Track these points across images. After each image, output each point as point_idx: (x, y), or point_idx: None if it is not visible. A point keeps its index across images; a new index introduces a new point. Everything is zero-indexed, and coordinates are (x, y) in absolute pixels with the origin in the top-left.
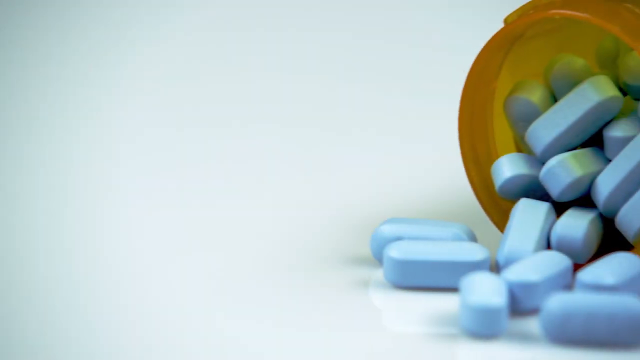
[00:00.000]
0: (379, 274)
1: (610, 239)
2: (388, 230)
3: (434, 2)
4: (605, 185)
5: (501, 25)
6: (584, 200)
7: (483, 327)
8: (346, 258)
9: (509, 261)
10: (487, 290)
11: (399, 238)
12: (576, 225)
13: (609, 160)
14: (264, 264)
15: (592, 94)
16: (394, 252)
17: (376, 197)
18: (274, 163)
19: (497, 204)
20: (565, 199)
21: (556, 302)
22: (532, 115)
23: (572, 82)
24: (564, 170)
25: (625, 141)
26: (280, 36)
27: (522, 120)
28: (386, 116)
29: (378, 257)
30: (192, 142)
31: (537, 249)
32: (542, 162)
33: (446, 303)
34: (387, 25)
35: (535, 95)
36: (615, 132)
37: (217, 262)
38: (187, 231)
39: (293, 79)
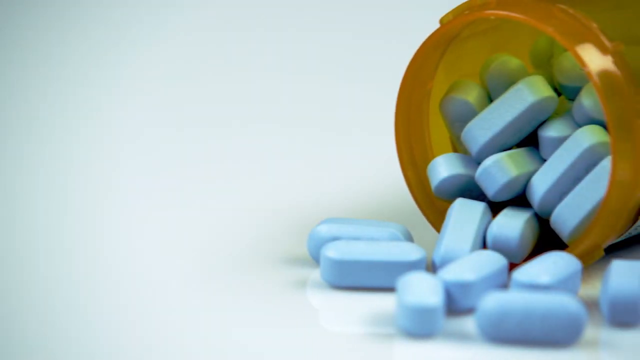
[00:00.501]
0: (316, 273)
1: (545, 239)
2: (325, 230)
3: (368, 2)
4: (540, 185)
5: (437, 25)
6: (520, 200)
7: (419, 326)
8: (283, 258)
9: (445, 261)
10: (423, 290)
11: (335, 238)
12: (511, 225)
13: (544, 160)
14: (201, 264)
15: (527, 95)
16: (331, 252)
17: (313, 197)
18: (211, 164)
19: (434, 204)
20: (500, 198)
21: (491, 301)
22: (468, 115)
23: (508, 82)
24: (500, 170)
25: (560, 141)
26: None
27: (458, 121)
28: (323, 116)
29: (315, 257)
30: (130, 143)
31: (473, 248)
32: (478, 162)
33: (383, 303)
34: (326, 24)
35: (471, 95)
36: (550, 132)
37: (156, 262)
38: (128, 233)
39: (224, 79)
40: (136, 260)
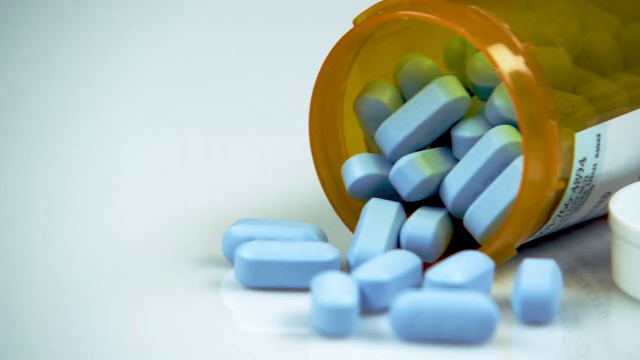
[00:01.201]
0: (230, 274)
1: (458, 238)
2: (239, 230)
3: (283, 2)
4: (453, 185)
5: (350, 26)
6: (433, 199)
7: (334, 326)
8: (197, 258)
9: (360, 261)
10: (337, 290)
11: (250, 238)
12: (425, 224)
13: (457, 160)
14: (116, 264)
15: (440, 95)
16: (245, 252)
17: (228, 197)
18: (124, 163)
19: (348, 204)
20: (414, 198)
21: (405, 301)
22: (381, 115)
23: (421, 83)
24: (413, 170)
25: (473, 141)
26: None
27: (372, 121)
28: (237, 116)
29: (229, 258)
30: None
31: (387, 248)
32: (392, 162)
33: (297, 303)
34: (239, 23)
35: (384, 95)
36: (463, 132)
37: (70, 263)
38: (35, 232)
39: (137, 81)
40: (49, 260)
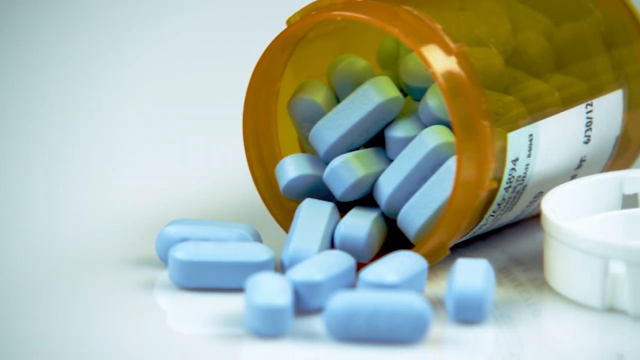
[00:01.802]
0: (164, 275)
1: (392, 238)
2: (173, 231)
3: (218, 2)
4: (386, 185)
5: (284, 26)
6: (367, 199)
7: (268, 326)
8: (131, 259)
9: (294, 261)
10: (272, 290)
11: (184, 239)
12: (359, 224)
13: (391, 160)
14: (49, 264)
15: (373, 95)
16: (179, 253)
17: (161, 198)
18: (58, 162)
19: (282, 204)
20: (348, 198)
21: (339, 301)
22: (315, 115)
23: (354, 83)
24: (347, 171)
25: (406, 141)
26: None
27: (306, 121)
28: (171, 115)
29: (163, 258)
30: None
31: (321, 248)
32: (326, 163)
33: (232, 303)
34: (172, 23)
35: (318, 96)
36: (396, 132)
37: (2, 263)
38: None
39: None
40: None
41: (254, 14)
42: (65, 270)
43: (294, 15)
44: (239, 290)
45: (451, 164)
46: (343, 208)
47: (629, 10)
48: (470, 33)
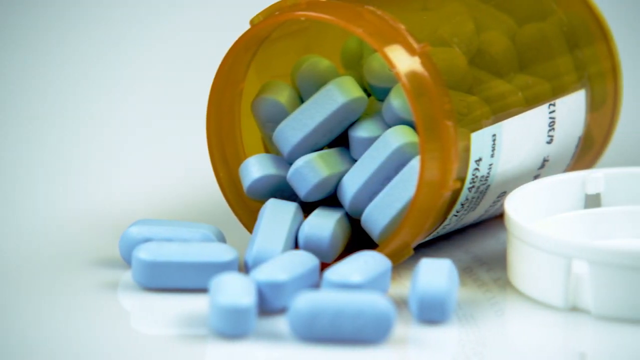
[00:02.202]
0: (127, 275)
1: (356, 238)
2: (136, 231)
3: (179, 2)
4: (350, 185)
5: (247, 26)
6: (331, 200)
7: (232, 327)
8: (95, 259)
9: (258, 261)
10: (235, 291)
11: (147, 239)
12: (323, 225)
13: (355, 161)
14: (11, 264)
15: (337, 95)
16: (143, 253)
17: (125, 198)
18: (19, 162)
19: (246, 205)
20: (312, 198)
21: (303, 301)
22: (279, 116)
23: (318, 83)
24: (311, 171)
25: (370, 141)
26: None
27: (270, 121)
28: (134, 115)
29: (127, 259)
30: None
31: (285, 248)
32: (290, 163)
33: (195, 304)
34: (133, 23)
35: (282, 96)
36: (360, 132)
37: None
38: None
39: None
40: None
41: (217, 14)
42: (28, 271)
43: (257, 16)
44: (203, 290)
45: (415, 164)
46: (307, 208)
47: (592, 11)
48: (434, 33)
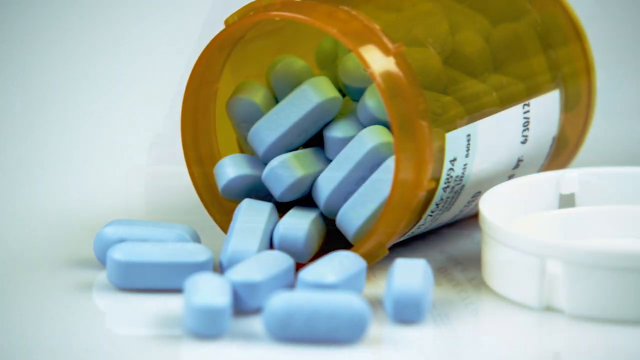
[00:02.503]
0: (102, 276)
1: (331, 238)
2: (111, 232)
3: (156, 2)
4: (325, 186)
5: (222, 26)
6: (306, 200)
7: (207, 327)
8: (69, 260)
9: (233, 261)
10: (210, 291)
11: (122, 240)
12: (298, 225)
13: (330, 161)
14: None
15: (312, 95)
16: (117, 254)
17: (99, 198)
18: None
19: (221, 205)
20: (287, 199)
21: (278, 301)
22: (254, 116)
23: (293, 83)
24: (286, 171)
25: (345, 142)
26: None
27: (245, 121)
28: (111, 115)
29: (102, 259)
30: None
31: (260, 249)
32: (265, 163)
33: (170, 304)
34: (107, 22)
35: (257, 96)
36: (335, 132)
37: None
38: None
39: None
40: None
41: (193, 14)
42: (2, 272)
43: (232, 16)
44: (178, 291)
45: (389, 164)
46: (282, 208)
47: (565, 11)
48: (408, 33)
